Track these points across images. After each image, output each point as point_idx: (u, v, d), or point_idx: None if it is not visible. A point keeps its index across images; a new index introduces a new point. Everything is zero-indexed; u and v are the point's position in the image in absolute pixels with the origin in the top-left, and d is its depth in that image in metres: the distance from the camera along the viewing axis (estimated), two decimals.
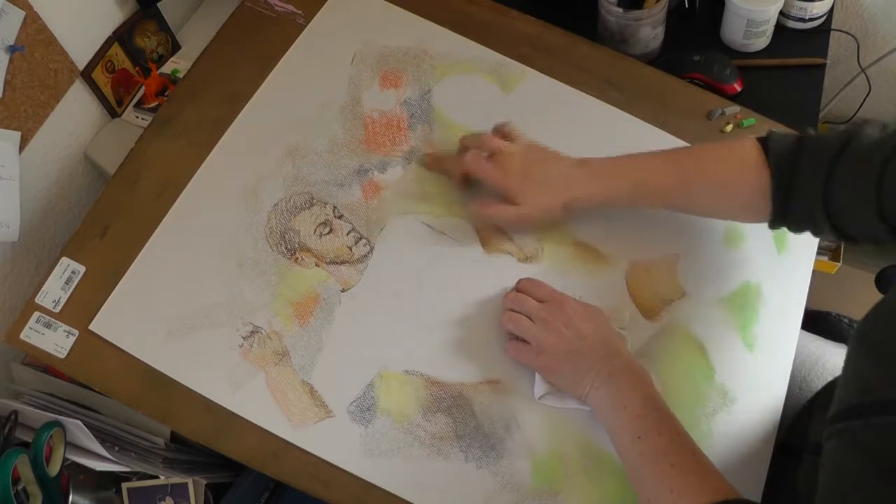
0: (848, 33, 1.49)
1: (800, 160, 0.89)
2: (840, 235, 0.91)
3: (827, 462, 0.68)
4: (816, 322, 1.21)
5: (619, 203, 0.99)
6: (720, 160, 0.95)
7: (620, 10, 1.23)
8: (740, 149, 0.94)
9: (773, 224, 0.94)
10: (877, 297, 0.75)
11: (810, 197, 0.88)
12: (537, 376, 0.94)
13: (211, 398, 0.92)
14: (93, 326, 0.95)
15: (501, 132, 1.04)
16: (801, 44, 1.35)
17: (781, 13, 1.32)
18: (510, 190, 0.98)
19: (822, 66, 1.32)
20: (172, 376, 0.93)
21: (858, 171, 0.84)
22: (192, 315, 0.95)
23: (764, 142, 0.92)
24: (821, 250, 1.46)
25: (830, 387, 1.02)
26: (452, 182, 1.05)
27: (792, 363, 1.03)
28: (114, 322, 0.95)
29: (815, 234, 0.93)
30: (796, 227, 0.93)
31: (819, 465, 0.68)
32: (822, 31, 1.36)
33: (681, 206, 1.00)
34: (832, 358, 1.10)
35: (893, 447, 0.62)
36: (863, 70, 1.55)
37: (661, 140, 1.11)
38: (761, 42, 1.33)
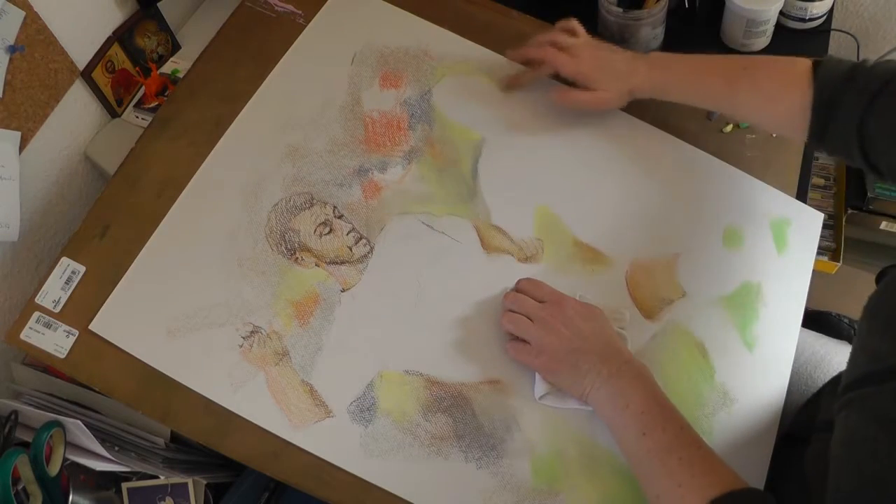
0: (848, 33, 1.49)
1: (845, 88, 0.90)
2: (869, 167, 0.92)
3: (839, 433, 0.68)
4: (817, 322, 1.21)
5: (673, 96, 1.06)
6: (770, 74, 0.99)
7: (620, 10, 1.23)
8: (792, 67, 0.97)
9: (811, 145, 0.98)
10: None
11: (847, 125, 0.90)
12: (537, 376, 0.94)
13: (211, 398, 0.92)
14: (93, 326, 0.94)
15: (566, 28, 1.10)
16: (801, 44, 1.35)
17: (781, 13, 1.32)
18: (587, 78, 1.06)
19: None
20: (172, 376, 0.93)
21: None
22: (192, 315, 0.95)
23: (816, 64, 0.95)
24: (821, 250, 1.46)
25: (839, 377, 1.02)
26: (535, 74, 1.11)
27: (792, 363, 1.03)
28: (114, 322, 0.95)
29: (849, 161, 0.95)
30: (831, 151, 0.97)
31: (832, 441, 0.69)
32: (822, 31, 1.36)
33: (726, 110, 1.08)
34: (836, 357, 1.11)
35: None
36: None
37: (661, 139, 1.11)
38: (761, 42, 1.33)
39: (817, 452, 0.86)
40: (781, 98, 0.97)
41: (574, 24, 1.10)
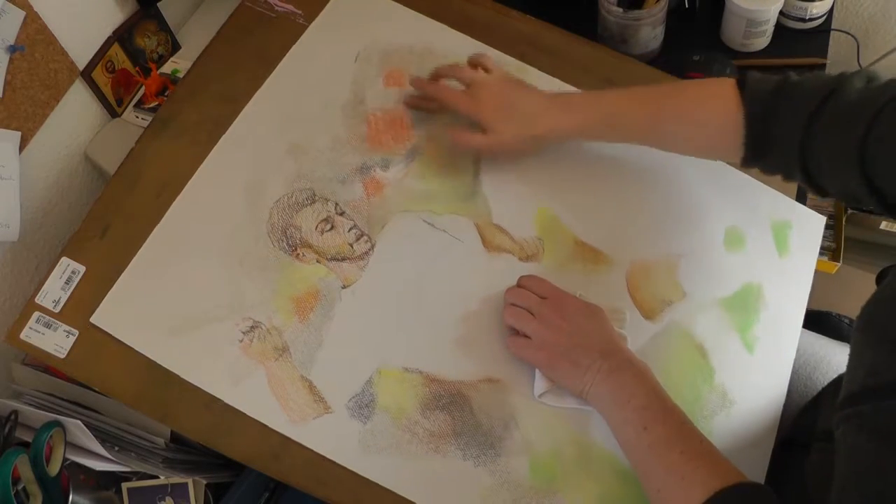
0: (848, 33, 1.49)
1: (779, 106, 0.88)
2: (813, 186, 0.90)
3: (840, 447, 0.68)
4: (817, 322, 1.21)
5: (592, 136, 1.02)
6: (694, 99, 0.95)
7: (620, 10, 1.24)
8: (716, 88, 0.94)
9: (745, 165, 0.94)
10: None
11: (786, 145, 0.88)
12: (537, 374, 0.94)
13: (211, 393, 0.92)
14: (94, 319, 0.94)
15: (478, 63, 1.05)
16: (801, 44, 1.35)
17: (781, 13, 1.33)
18: (483, 119, 1.00)
19: (822, 66, 1.32)
20: (173, 370, 0.93)
21: (841, 128, 0.83)
22: (192, 310, 0.95)
23: (741, 83, 0.92)
24: (821, 250, 1.46)
25: (837, 382, 1.02)
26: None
27: (792, 365, 1.03)
28: (115, 316, 0.95)
29: (786, 179, 0.93)
30: (769, 171, 0.94)
31: (833, 452, 0.69)
32: (822, 31, 1.37)
33: (653, 143, 1.01)
34: (836, 357, 1.11)
35: None
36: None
37: None
38: (761, 42, 1.33)
39: (818, 462, 0.86)
40: (709, 122, 0.94)
41: (487, 58, 1.05)
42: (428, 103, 1.08)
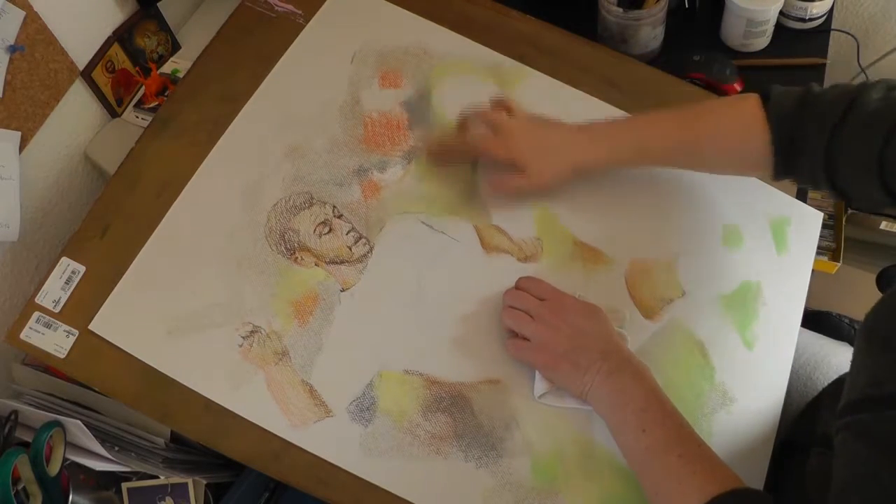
0: (848, 33, 1.49)
1: (802, 120, 0.89)
2: (841, 196, 0.92)
3: (840, 455, 0.68)
4: (817, 322, 1.21)
5: (624, 165, 1.02)
6: (722, 119, 0.96)
7: (620, 10, 1.24)
8: (742, 106, 0.95)
9: (777, 178, 0.96)
10: (877, 296, 0.75)
11: (811, 158, 0.89)
12: (537, 375, 0.94)
13: (211, 398, 0.92)
14: (92, 326, 0.94)
15: (500, 106, 1.05)
16: (801, 44, 1.35)
17: (781, 13, 1.32)
18: (519, 161, 1.00)
19: (822, 66, 1.32)
20: (172, 376, 0.93)
21: (861, 139, 0.84)
22: (191, 315, 0.95)
23: (765, 98, 0.93)
24: (821, 250, 1.46)
25: (839, 382, 1.02)
26: (459, 164, 1.07)
27: (792, 362, 1.03)
28: (113, 322, 0.95)
29: (816, 189, 0.94)
30: (800, 183, 0.96)
31: (833, 458, 0.69)
32: (822, 31, 1.36)
33: (684, 165, 1.03)
34: (837, 357, 1.11)
35: None
36: (863, 70, 1.55)
37: None
38: (761, 42, 1.33)
39: (818, 468, 0.86)
40: (739, 140, 0.95)
41: (509, 100, 1.06)
42: (454, 155, 1.07)
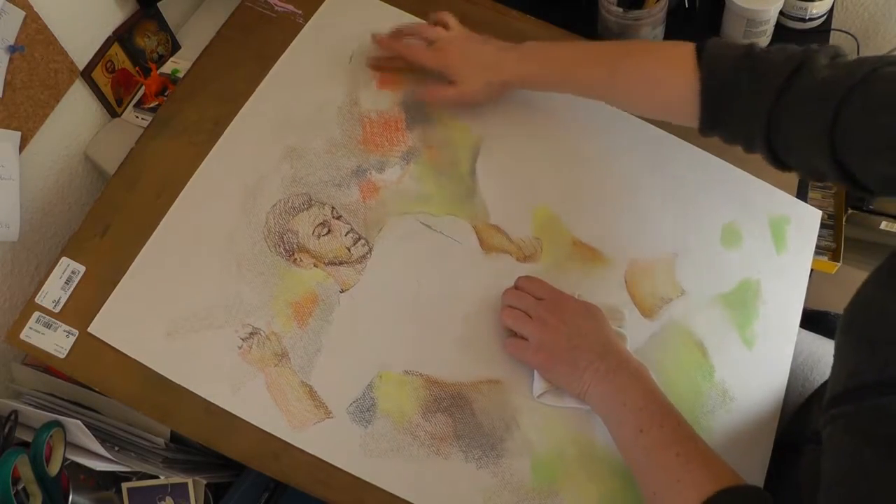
0: (848, 33, 1.49)
1: (740, 79, 0.87)
2: (774, 161, 0.90)
3: (827, 448, 0.68)
4: (815, 322, 1.21)
5: (551, 88, 1.04)
6: (652, 61, 0.96)
7: (620, 10, 1.24)
8: (675, 52, 0.94)
9: (702, 134, 0.94)
10: None
11: (750, 118, 0.87)
12: (536, 374, 0.94)
13: (211, 399, 0.92)
14: (92, 329, 0.94)
15: (438, 21, 1.08)
16: (801, 43, 1.34)
17: (781, 13, 1.32)
18: (451, 72, 1.04)
19: None
20: (171, 378, 0.93)
21: (810, 109, 0.82)
22: (191, 316, 0.95)
23: (700, 49, 0.92)
24: (821, 250, 1.46)
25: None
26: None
27: (791, 361, 1.03)
28: (112, 324, 0.95)
29: (746, 150, 0.92)
30: (728, 141, 0.93)
31: (822, 456, 0.69)
32: (822, 31, 1.36)
33: (608, 99, 1.03)
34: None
35: (887, 427, 0.63)
36: None
37: (659, 138, 1.11)
38: (761, 42, 1.33)
39: (809, 464, 0.86)
40: (664, 84, 0.94)
41: (446, 16, 1.09)
42: (393, 62, 1.11)
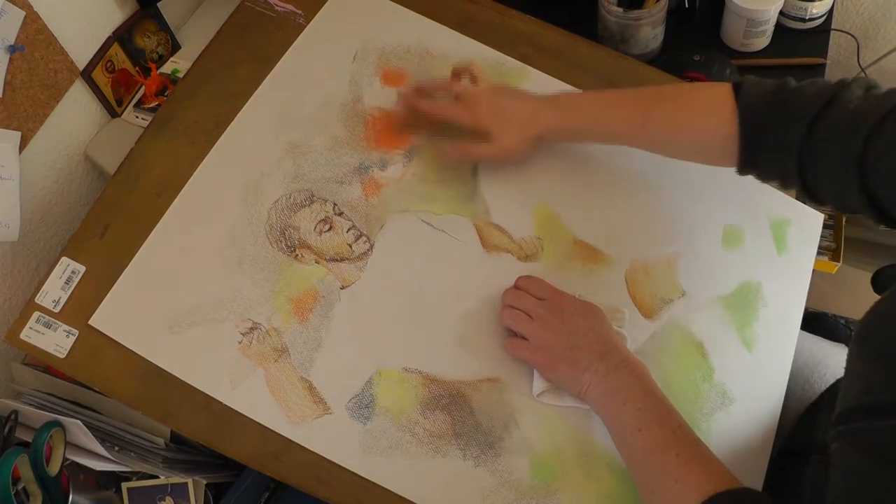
0: (848, 33, 1.49)
1: (775, 115, 0.87)
2: (809, 195, 0.89)
3: (835, 464, 0.68)
4: (813, 322, 1.21)
5: (587, 138, 1.03)
6: (689, 104, 0.95)
7: (620, 10, 1.24)
8: (711, 94, 0.93)
9: (742, 172, 0.93)
10: (876, 297, 0.75)
11: (783, 154, 0.87)
12: (535, 373, 0.94)
13: (210, 394, 0.92)
14: (92, 321, 0.94)
15: (463, 73, 1.06)
16: (801, 44, 1.35)
17: (781, 13, 1.32)
18: (484, 127, 1.00)
19: (822, 66, 1.32)
20: (172, 372, 0.93)
21: (840, 141, 0.82)
22: (191, 311, 0.95)
23: (737, 88, 0.91)
24: (821, 250, 1.46)
25: (834, 388, 1.02)
26: (421, 131, 1.07)
27: (791, 364, 1.03)
28: (113, 317, 0.95)
29: (783, 187, 0.93)
30: (765, 179, 0.93)
31: (830, 467, 0.68)
32: (822, 30, 1.36)
33: (646, 147, 1.01)
34: (834, 359, 1.10)
35: None
36: (863, 70, 1.55)
37: None
38: (761, 42, 1.33)
39: (816, 476, 0.86)
40: (702, 128, 0.93)
41: (474, 67, 1.06)
42: (418, 122, 1.07)
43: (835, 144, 0.82)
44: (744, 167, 0.92)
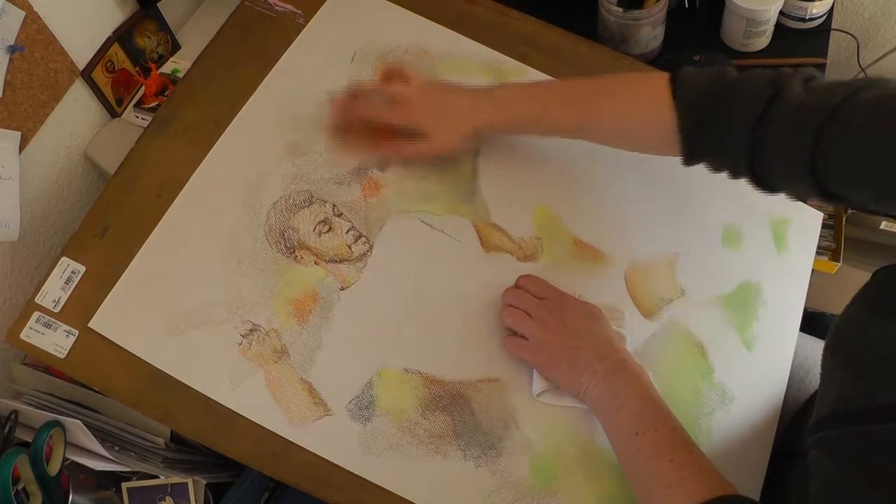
0: (848, 33, 1.49)
1: (716, 109, 0.87)
2: (761, 186, 0.89)
3: (814, 472, 0.68)
4: (813, 323, 1.21)
5: (527, 132, 1.01)
6: (626, 99, 0.94)
7: (620, 10, 1.24)
8: (647, 86, 0.92)
9: (686, 164, 0.93)
10: None
11: (731, 149, 0.87)
12: (535, 373, 0.94)
13: (210, 396, 0.92)
14: (92, 324, 0.94)
15: (393, 74, 1.04)
16: (801, 44, 1.35)
17: (781, 13, 1.32)
18: (421, 126, 0.99)
19: (822, 66, 1.32)
20: (171, 374, 0.93)
21: (789, 140, 0.82)
22: (191, 313, 0.95)
23: (674, 79, 0.91)
24: (821, 250, 1.46)
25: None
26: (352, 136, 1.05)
27: (791, 363, 1.03)
28: (113, 319, 0.95)
29: (732, 177, 0.91)
30: (714, 170, 0.93)
31: (810, 477, 0.69)
32: (822, 30, 1.36)
33: (583, 137, 1.00)
34: None
35: (873, 455, 0.62)
36: (863, 70, 1.55)
37: None
38: (761, 42, 1.33)
39: (798, 480, 0.86)
40: (641, 120, 0.93)
41: (403, 68, 1.04)
42: (351, 131, 1.04)
43: (784, 141, 0.82)
44: (688, 161, 0.92)
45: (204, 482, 1.01)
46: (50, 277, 0.97)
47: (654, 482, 0.81)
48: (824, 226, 1.13)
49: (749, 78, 0.87)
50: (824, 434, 0.68)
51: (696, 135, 0.89)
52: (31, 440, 0.92)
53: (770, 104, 0.83)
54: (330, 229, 1.01)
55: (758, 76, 0.87)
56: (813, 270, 1.10)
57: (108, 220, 1.00)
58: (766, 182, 0.88)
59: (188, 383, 0.93)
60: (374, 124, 1.02)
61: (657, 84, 0.91)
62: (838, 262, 1.52)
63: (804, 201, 0.90)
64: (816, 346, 1.12)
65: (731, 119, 0.86)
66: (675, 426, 0.85)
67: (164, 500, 1.00)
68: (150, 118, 1.14)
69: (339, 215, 1.02)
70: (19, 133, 1.00)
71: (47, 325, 0.95)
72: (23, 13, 0.96)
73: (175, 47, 1.27)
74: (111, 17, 1.15)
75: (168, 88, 1.21)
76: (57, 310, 0.96)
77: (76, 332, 0.95)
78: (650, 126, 0.92)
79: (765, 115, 0.83)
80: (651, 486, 0.82)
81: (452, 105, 0.99)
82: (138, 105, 1.21)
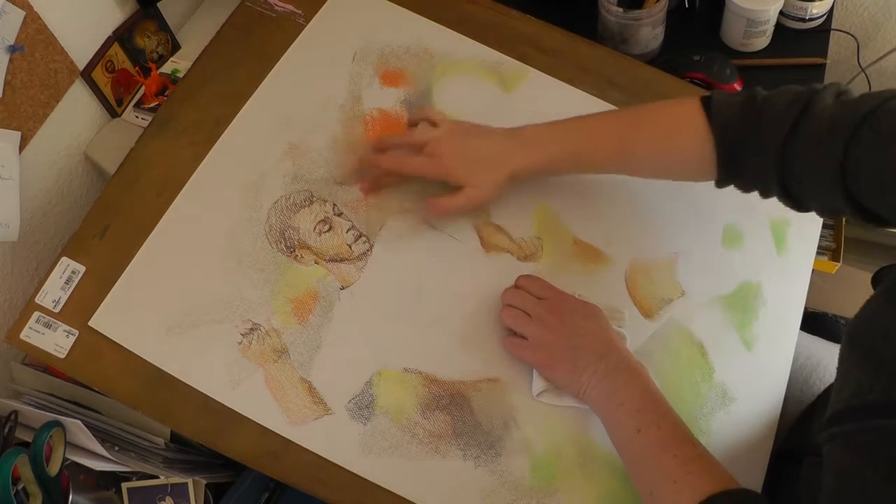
0: (848, 33, 1.49)
1: (749, 128, 0.87)
2: (792, 203, 0.89)
3: (827, 465, 0.68)
4: (812, 323, 1.21)
5: (561, 172, 1.00)
6: (661, 129, 0.93)
7: (620, 9, 1.24)
8: (681, 112, 0.92)
9: (720, 185, 0.93)
10: None
11: (762, 166, 0.87)
12: (535, 373, 0.94)
13: (209, 395, 0.92)
14: (92, 322, 0.95)
15: (420, 119, 1.03)
16: (801, 44, 1.35)
17: (781, 13, 1.32)
18: (453, 178, 0.97)
19: (822, 66, 1.32)
20: (171, 373, 0.93)
21: (819, 152, 0.81)
22: (191, 312, 0.95)
23: (706, 103, 0.90)
24: (821, 250, 1.46)
25: (830, 390, 1.02)
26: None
27: (791, 363, 1.03)
28: (113, 318, 0.95)
29: (763, 196, 0.91)
30: (744, 190, 0.93)
31: (823, 472, 0.68)
32: (822, 30, 1.36)
33: (622, 171, 1.00)
34: (833, 361, 1.09)
35: (890, 449, 0.62)
36: (863, 70, 1.55)
37: None
38: (761, 42, 1.33)
39: (810, 477, 0.86)
40: (678, 148, 0.92)
41: (431, 111, 1.03)
42: (386, 179, 1.04)
43: (814, 156, 0.82)
44: (723, 182, 0.92)
45: (204, 482, 1.01)
46: (50, 277, 0.97)
47: (658, 478, 0.81)
48: (824, 226, 1.13)
49: (781, 93, 0.87)
50: (840, 428, 0.68)
51: (731, 156, 0.89)
52: (31, 440, 0.92)
53: (799, 119, 0.83)
54: (330, 229, 1.01)
55: (787, 92, 0.86)
56: (813, 270, 1.09)
57: (108, 220, 1.00)
58: (797, 199, 0.88)
59: (188, 382, 0.93)
60: (405, 176, 1.01)
61: (689, 109, 0.91)
62: (838, 262, 1.51)
63: (833, 217, 0.89)
64: (819, 347, 1.12)
65: (761, 137, 0.86)
66: (677, 423, 0.84)
67: (164, 500, 1.00)
68: (150, 118, 1.14)
69: (340, 215, 1.02)
70: (19, 133, 1.00)
71: (47, 325, 0.95)
72: (23, 13, 0.96)
73: (175, 47, 1.27)
74: (111, 16, 1.15)
75: (168, 88, 1.21)
76: (57, 310, 0.96)
77: (76, 332, 0.95)
78: (687, 151, 0.92)
79: (794, 130, 0.83)
80: (655, 483, 0.81)
81: (486, 151, 0.97)
82: (138, 105, 1.21)
